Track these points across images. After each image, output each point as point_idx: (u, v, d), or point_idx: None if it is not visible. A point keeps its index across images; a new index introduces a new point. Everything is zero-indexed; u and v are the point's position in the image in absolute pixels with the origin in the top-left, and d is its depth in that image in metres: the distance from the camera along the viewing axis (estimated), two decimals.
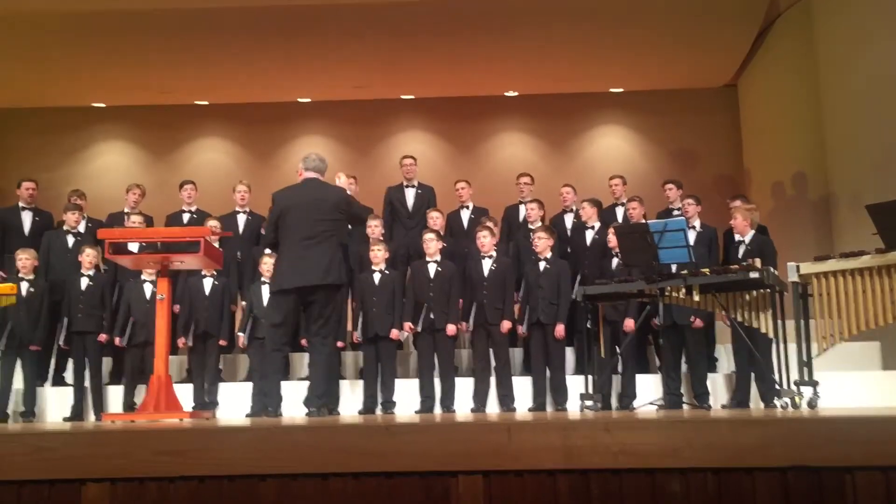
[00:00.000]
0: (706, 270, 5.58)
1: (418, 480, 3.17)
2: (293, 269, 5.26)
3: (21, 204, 7.73)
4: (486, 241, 6.81)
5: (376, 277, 6.75)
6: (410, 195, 7.90)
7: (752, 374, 6.37)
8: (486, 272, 6.74)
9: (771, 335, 5.47)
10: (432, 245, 6.78)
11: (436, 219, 7.31)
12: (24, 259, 6.85)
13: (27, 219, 7.68)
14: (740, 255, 6.25)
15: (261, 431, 3.45)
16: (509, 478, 3.14)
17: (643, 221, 6.57)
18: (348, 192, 5.81)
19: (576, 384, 6.55)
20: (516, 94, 10.92)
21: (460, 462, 3.15)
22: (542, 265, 6.76)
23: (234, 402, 6.75)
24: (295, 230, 5.31)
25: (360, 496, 3.17)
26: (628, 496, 3.11)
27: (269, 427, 3.67)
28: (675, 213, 7.30)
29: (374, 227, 7.25)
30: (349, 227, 5.96)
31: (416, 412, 6.60)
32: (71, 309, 6.85)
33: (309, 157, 5.58)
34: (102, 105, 10.83)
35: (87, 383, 6.83)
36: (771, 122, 9.86)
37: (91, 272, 6.95)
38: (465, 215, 7.88)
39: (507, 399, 6.64)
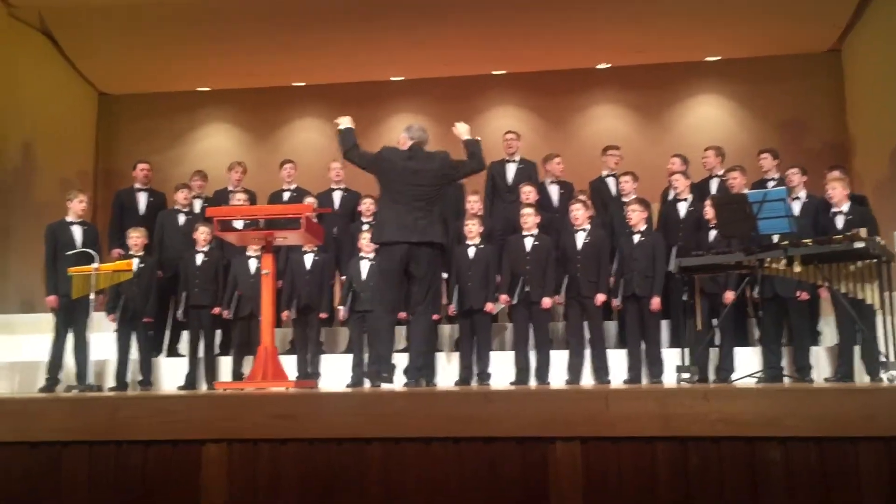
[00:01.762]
0: (808, 241, 5.44)
1: (516, 446, 3.24)
2: (397, 227, 5.35)
3: (136, 185, 8.11)
4: (580, 213, 6.80)
5: (471, 251, 6.84)
6: (511, 170, 7.90)
7: (857, 348, 6.20)
8: (579, 245, 6.75)
9: (877, 306, 5.30)
10: (530, 220, 6.81)
11: (528, 193, 7.30)
12: (135, 237, 7.18)
13: (143, 199, 8.05)
14: (840, 226, 6.08)
15: (366, 398, 3.60)
16: (606, 444, 3.17)
17: (744, 192, 6.43)
18: None
19: (671, 357, 6.51)
20: (609, 66, 10.75)
21: (558, 428, 3.20)
22: (636, 238, 6.72)
23: (335, 373, 6.98)
24: (398, 194, 5.41)
25: (460, 460, 3.26)
26: (727, 464, 3.11)
27: (374, 394, 3.82)
28: (771, 182, 7.11)
29: (473, 202, 7.34)
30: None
31: (511, 384, 6.67)
32: (188, 284, 7.17)
33: (412, 127, 5.69)
34: (207, 89, 11.23)
35: (200, 354, 7.17)
36: (878, 88, 9.40)
37: (206, 248, 7.26)
38: (555, 190, 7.87)
39: (601, 372, 6.65)
